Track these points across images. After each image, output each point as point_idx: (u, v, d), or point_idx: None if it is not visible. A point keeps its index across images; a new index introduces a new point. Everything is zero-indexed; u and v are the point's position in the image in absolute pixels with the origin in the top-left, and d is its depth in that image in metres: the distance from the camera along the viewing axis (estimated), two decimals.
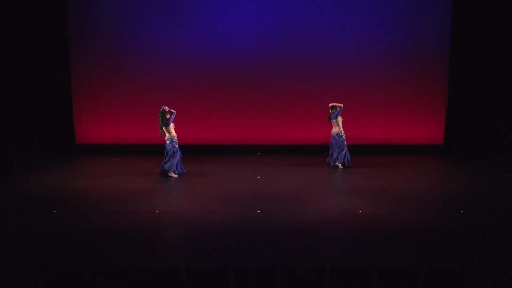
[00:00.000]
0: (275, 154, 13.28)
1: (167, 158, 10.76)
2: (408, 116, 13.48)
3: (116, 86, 13.45)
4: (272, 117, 13.54)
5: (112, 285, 5.13)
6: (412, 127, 13.52)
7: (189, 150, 12.57)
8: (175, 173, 10.79)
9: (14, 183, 10.45)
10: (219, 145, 13.68)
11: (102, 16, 13.19)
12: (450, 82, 13.28)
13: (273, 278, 5.20)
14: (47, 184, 10.36)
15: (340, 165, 11.66)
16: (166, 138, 10.78)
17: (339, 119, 11.59)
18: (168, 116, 10.66)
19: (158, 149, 11.66)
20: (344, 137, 11.62)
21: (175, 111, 10.72)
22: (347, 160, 11.70)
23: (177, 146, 10.78)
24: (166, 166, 10.73)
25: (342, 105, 11.54)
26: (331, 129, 11.75)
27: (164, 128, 10.70)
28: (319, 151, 12.74)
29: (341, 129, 11.62)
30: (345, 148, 11.64)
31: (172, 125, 10.72)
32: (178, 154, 10.78)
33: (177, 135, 10.82)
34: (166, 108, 10.68)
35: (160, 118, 10.66)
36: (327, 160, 11.95)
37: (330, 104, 11.64)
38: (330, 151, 11.90)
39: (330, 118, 11.66)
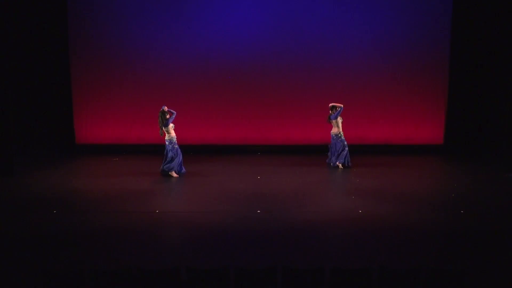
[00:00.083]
0: (275, 154, 13.28)
1: (168, 158, 10.75)
2: (408, 116, 13.48)
3: (116, 86, 13.44)
4: (272, 117, 13.53)
5: (112, 285, 5.13)
6: (412, 127, 13.52)
7: (189, 150, 12.57)
8: (176, 173, 10.78)
9: (14, 183, 10.45)
10: (219, 145, 13.68)
11: (102, 16, 13.19)
12: (450, 82, 13.27)
13: (273, 278, 5.20)
14: (47, 184, 10.37)
15: (340, 165, 11.66)
16: (165, 138, 10.78)
17: (339, 119, 11.59)
18: (167, 116, 10.66)
19: (158, 149, 11.66)
20: (343, 137, 11.62)
21: (175, 112, 10.72)
22: (347, 160, 11.70)
23: (177, 146, 10.78)
24: (169, 166, 10.71)
25: (342, 105, 11.54)
26: (331, 129, 11.75)
27: (163, 128, 10.70)
28: (319, 151, 12.74)
29: (340, 130, 11.62)
30: (346, 148, 11.64)
31: (171, 126, 10.71)
32: (179, 156, 10.77)
33: (176, 135, 10.81)
34: (165, 108, 10.68)
35: (160, 118, 10.66)
36: (327, 161, 11.95)
37: (330, 104, 11.64)
38: (328, 153, 11.91)
39: (330, 119, 11.66)
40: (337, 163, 11.67)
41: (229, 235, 7.60)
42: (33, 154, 12.99)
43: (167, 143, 10.76)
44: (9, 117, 10.98)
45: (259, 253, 6.89)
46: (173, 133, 10.76)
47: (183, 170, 10.92)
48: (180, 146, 10.90)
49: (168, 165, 10.73)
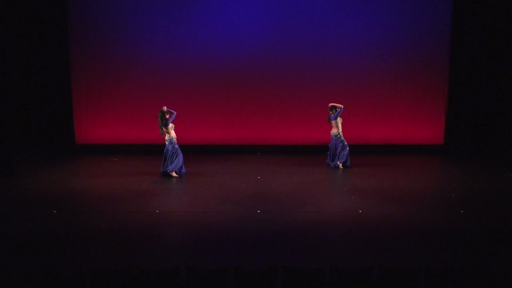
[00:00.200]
0: (275, 154, 13.27)
1: (168, 159, 10.75)
2: (408, 116, 13.47)
3: (116, 86, 13.43)
4: (272, 117, 13.52)
5: (112, 285, 5.13)
6: (412, 127, 13.51)
7: (189, 150, 12.56)
8: (176, 173, 10.78)
9: (14, 183, 10.45)
10: (219, 145, 13.67)
11: (102, 16, 13.18)
12: (450, 82, 13.26)
13: (273, 278, 5.20)
14: (47, 184, 10.36)
15: (340, 165, 11.66)
16: (165, 138, 10.78)
17: (339, 120, 11.58)
18: (167, 117, 10.66)
19: (158, 149, 11.65)
20: (343, 138, 11.61)
21: (175, 112, 10.72)
22: (347, 160, 11.69)
23: (177, 146, 10.78)
24: (171, 168, 10.71)
25: (342, 106, 11.53)
26: (331, 130, 11.75)
27: (164, 128, 10.70)
28: (319, 151, 12.73)
29: (340, 130, 11.61)
30: (347, 148, 11.63)
31: (171, 126, 10.71)
32: (180, 156, 10.77)
33: (176, 135, 10.80)
34: (165, 108, 10.68)
35: (160, 118, 10.66)
36: (326, 161, 11.95)
37: (330, 104, 11.63)
38: (328, 152, 11.90)
39: (329, 119, 11.66)
40: (337, 162, 11.67)
41: (229, 235, 7.60)
42: (33, 154, 12.99)
43: (167, 143, 10.75)
44: (9, 117, 10.98)
45: (259, 253, 6.89)
46: (173, 133, 10.76)
47: (184, 170, 10.92)
48: (180, 146, 10.89)
49: (169, 167, 10.72)
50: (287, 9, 13.17)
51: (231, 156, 12.97)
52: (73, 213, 8.57)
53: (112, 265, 6.40)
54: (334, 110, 11.57)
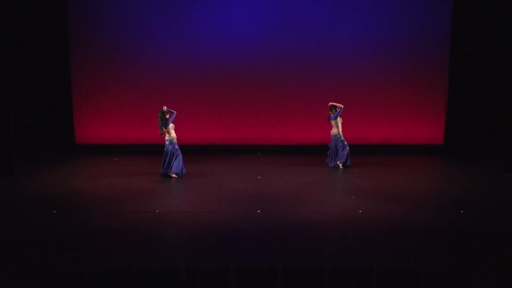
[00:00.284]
0: (275, 154, 13.27)
1: (168, 160, 10.74)
2: (408, 116, 13.47)
3: (116, 86, 13.43)
4: (272, 117, 13.52)
5: (112, 285, 5.13)
6: (412, 127, 13.51)
7: (189, 150, 12.56)
8: (176, 174, 10.77)
9: (14, 183, 10.45)
10: (219, 145, 13.67)
11: (102, 16, 13.18)
12: (450, 82, 13.26)
13: (273, 278, 5.20)
14: (47, 184, 10.36)
15: (340, 165, 11.66)
16: (166, 139, 10.78)
17: (339, 120, 11.58)
18: (167, 116, 10.65)
19: (158, 149, 11.65)
20: (343, 138, 11.61)
21: (175, 112, 10.72)
22: (348, 160, 11.69)
23: (177, 147, 10.77)
24: (173, 170, 10.69)
25: (342, 106, 11.52)
26: (331, 130, 11.75)
27: (164, 129, 10.69)
28: (319, 151, 12.73)
29: (340, 130, 11.61)
30: (347, 148, 11.63)
31: (172, 126, 10.71)
32: (179, 156, 10.76)
33: (176, 135, 10.80)
34: (165, 108, 10.68)
35: (160, 118, 10.66)
36: (326, 161, 11.95)
37: (330, 104, 11.62)
38: (328, 152, 11.90)
39: (329, 119, 11.66)
40: (337, 162, 11.67)
41: (229, 235, 7.61)
42: (33, 154, 12.99)
43: (167, 143, 10.74)
44: (9, 117, 10.97)
45: (259, 253, 6.89)
46: (173, 133, 10.76)
47: (184, 170, 10.91)
48: (180, 146, 10.89)
49: (172, 169, 10.71)
50: (287, 9, 13.17)
51: (231, 156, 12.97)
52: (73, 213, 8.57)
53: (112, 265, 6.40)
54: (334, 110, 11.57)
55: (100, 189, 10.04)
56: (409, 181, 10.67)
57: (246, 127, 13.58)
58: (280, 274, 5.22)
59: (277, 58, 13.30)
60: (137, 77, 13.37)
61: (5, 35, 11.69)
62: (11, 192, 9.84)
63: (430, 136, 13.54)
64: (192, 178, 10.84)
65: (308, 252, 6.96)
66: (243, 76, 13.40)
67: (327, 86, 13.31)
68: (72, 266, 6.26)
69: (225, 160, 12.53)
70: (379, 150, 13.45)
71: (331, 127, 11.75)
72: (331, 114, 11.61)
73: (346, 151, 11.63)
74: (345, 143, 11.62)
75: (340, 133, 11.61)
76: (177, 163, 10.72)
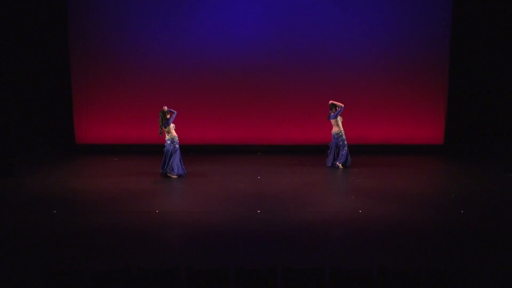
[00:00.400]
0: (275, 154, 13.28)
1: (168, 159, 10.74)
2: (408, 116, 13.48)
3: (116, 86, 13.44)
4: (272, 117, 13.53)
5: (112, 285, 5.13)
6: (412, 127, 13.51)
7: (189, 150, 12.57)
8: (174, 174, 10.76)
9: (14, 183, 10.45)
10: (219, 145, 13.67)
11: (102, 17, 13.19)
12: (450, 82, 13.27)
13: (273, 278, 5.20)
14: (47, 184, 10.36)
15: (340, 165, 11.65)
16: (166, 138, 10.77)
17: (339, 119, 11.58)
18: (168, 116, 10.65)
19: (158, 149, 11.65)
20: (344, 136, 11.61)
21: (175, 112, 10.72)
22: (348, 160, 11.69)
23: (177, 146, 10.77)
24: (176, 171, 10.70)
25: (342, 105, 11.52)
26: (331, 129, 11.74)
27: (164, 129, 10.69)
28: (319, 151, 12.74)
29: (341, 128, 11.61)
30: (345, 148, 11.62)
31: (172, 125, 10.71)
32: (178, 154, 10.76)
33: (177, 135, 10.81)
34: (166, 108, 10.68)
35: (160, 118, 10.66)
36: (326, 160, 11.94)
37: (330, 102, 11.62)
38: (328, 151, 11.90)
39: (329, 117, 11.65)
40: (337, 163, 11.66)
41: (229, 235, 7.60)
42: (33, 154, 12.99)
43: (168, 142, 10.73)
44: (9, 117, 10.98)
45: (259, 253, 6.89)
46: (174, 133, 10.76)
47: (184, 171, 10.91)
48: (180, 146, 10.88)
49: (174, 171, 10.70)
50: (288, 9, 13.18)
51: (231, 156, 12.97)
52: (73, 213, 8.57)
53: (112, 265, 6.39)
54: (334, 109, 11.57)
55: (100, 189, 10.03)
56: (409, 181, 10.67)
57: (246, 127, 13.59)
58: (280, 274, 5.22)
59: (277, 58, 13.30)
60: (137, 77, 13.38)
61: (5, 35, 11.69)
62: (11, 192, 9.84)
63: (430, 136, 13.54)
64: (192, 178, 10.84)
65: (308, 252, 6.95)
66: (243, 76, 13.40)
67: (327, 86, 13.31)
68: (72, 266, 6.26)
69: (225, 160, 12.53)
70: (379, 150, 13.45)
71: (331, 127, 11.74)
72: (331, 113, 11.61)
73: (345, 151, 11.62)
74: (345, 142, 11.61)
75: (342, 131, 11.59)
76: (177, 164, 10.71)
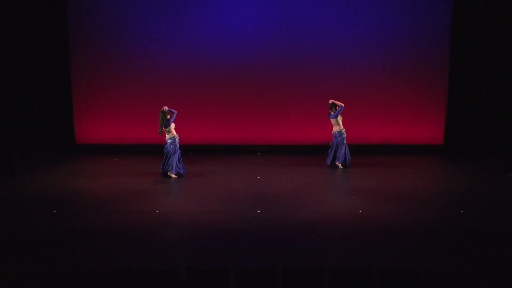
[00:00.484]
0: (275, 154, 13.27)
1: (168, 159, 10.74)
2: (408, 116, 13.47)
3: (116, 86, 13.43)
4: (272, 117, 13.52)
5: (112, 285, 5.13)
6: (412, 127, 13.50)
7: (189, 150, 12.56)
8: (174, 173, 10.77)
9: (14, 183, 10.45)
10: (219, 145, 13.66)
11: (102, 17, 13.17)
12: (450, 82, 13.26)
13: (273, 278, 5.20)
14: (47, 184, 10.36)
15: (340, 165, 11.65)
16: (167, 138, 10.77)
17: (339, 118, 11.58)
18: (168, 117, 10.65)
19: (158, 149, 11.65)
20: (345, 135, 11.60)
21: (175, 111, 10.73)
22: (348, 160, 11.69)
23: (178, 146, 10.77)
24: (175, 170, 10.70)
25: (343, 104, 11.51)
26: (332, 129, 11.74)
27: (164, 129, 10.69)
28: (319, 151, 12.73)
29: (342, 127, 11.61)
30: (344, 147, 11.60)
31: (173, 125, 10.72)
32: (178, 154, 10.76)
33: (177, 134, 10.81)
34: (166, 108, 10.68)
35: (160, 118, 10.66)
36: (326, 160, 11.94)
37: (330, 102, 11.60)
38: (328, 150, 11.90)
39: (329, 117, 11.65)
40: (336, 163, 11.66)
41: (229, 235, 7.60)
42: (33, 154, 12.99)
43: (169, 141, 10.72)
44: (9, 117, 10.97)
45: (259, 253, 6.89)
46: (174, 132, 10.76)
47: (184, 171, 10.91)
48: (181, 146, 10.89)
49: (173, 170, 10.70)
50: (288, 9, 13.16)
51: (231, 156, 12.97)
52: (73, 213, 8.57)
53: (112, 265, 6.40)
54: (334, 108, 11.57)
55: (100, 189, 10.04)
56: (409, 181, 10.67)
57: (246, 127, 13.58)
58: (280, 274, 5.22)
59: (277, 58, 13.29)
60: (137, 77, 13.37)
61: (5, 35, 11.69)
62: (11, 192, 9.84)
63: (430, 136, 13.53)
64: (192, 178, 10.84)
65: (308, 252, 6.96)
66: (243, 76, 13.39)
67: (327, 86, 13.30)
68: (72, 266, 6.26)
69: (225, 160, 12.53)
70: (379, 150, 13.44)
71: (331, 127, 11.74)
72: (331, 112, 11.61)
73: (343, 150, 11.61)
74: (345, 141, 11.60)
75: (343, 130, 11.58)
76: (176, 163, 10.72)
